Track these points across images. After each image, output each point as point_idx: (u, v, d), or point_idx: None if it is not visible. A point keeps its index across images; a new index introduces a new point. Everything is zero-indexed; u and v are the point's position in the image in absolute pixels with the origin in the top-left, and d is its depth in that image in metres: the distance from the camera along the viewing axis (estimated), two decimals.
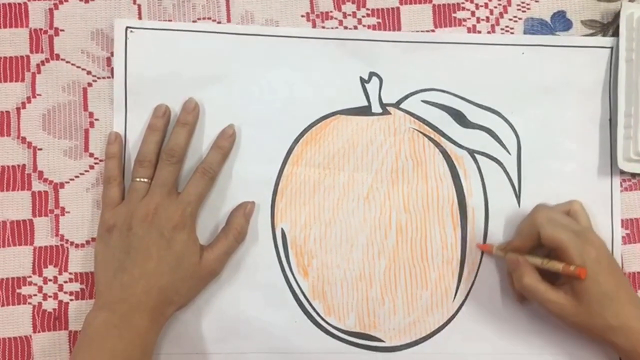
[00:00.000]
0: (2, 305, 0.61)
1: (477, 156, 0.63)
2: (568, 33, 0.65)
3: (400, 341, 0.63)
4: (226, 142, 0.62)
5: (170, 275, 0.57)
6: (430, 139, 0.63)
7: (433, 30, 0.64)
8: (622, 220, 0.64)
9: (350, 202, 0.63)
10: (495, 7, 0.65)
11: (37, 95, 0.63)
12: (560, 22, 0.65)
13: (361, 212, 0.63)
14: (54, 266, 0.62)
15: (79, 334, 0.58)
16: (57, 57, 0.63)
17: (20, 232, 0.62)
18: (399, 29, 0.64)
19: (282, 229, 0.63)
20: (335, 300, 0.62)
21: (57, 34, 0.63)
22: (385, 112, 0.63)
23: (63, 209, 0.62)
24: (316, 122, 0.63)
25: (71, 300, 0.62)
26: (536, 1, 0.65)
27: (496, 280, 0.63)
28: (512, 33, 0.65)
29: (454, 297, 0.63)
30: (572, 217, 0.60)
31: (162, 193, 0.58)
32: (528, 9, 0.65)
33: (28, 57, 0.63)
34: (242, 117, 0.63)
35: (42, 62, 0.63)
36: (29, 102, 0.63)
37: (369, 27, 0.64)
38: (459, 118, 0.64)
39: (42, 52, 0.63)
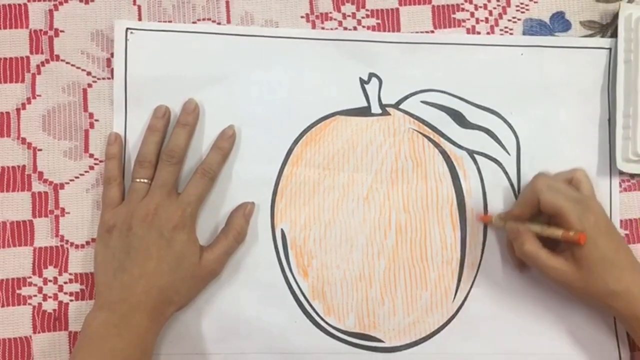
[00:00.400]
0: (2, 306, 0.61)
1: (477, 157, 0.64)
2: (567, 34, 0.65)
3: (400, 341, 0.63)
4: (226, 142, 0.62)
5: (170, 276, 0.57)
6: (429, 139, 0.63)
7: (432, 31, 0.65)
8: (621, 221, 0.64)
9: (349, 203, 0.63)
10: (495, 8, 0.65)
11: (37, 96, 0.63)
12: (559, 22, 0.65)
13: (361, 212, 0.63)
14: (54, 267, 0.62)
15: (78, 334, 0.58)
16: (57, 58, 0.63)
17: (20, 233, 0.62)
18: (399, 30, 0.65)
19: (282, 229, 0.63)
20: (335, 301, 0.63)
21: (57, 35, 0.63)
22: (384, 112, 0.63)
23: (63, 209, 0.62)
24: (316, 123, 0.63)
25: (71, 300, 0.62)
26: (535, 2, 0.65)
27: (496, 280, 0.63)
28: (511, 34, 0.65)
29: (454, 298, 0.63)
30: (574, 185, 0.60)
31: (162, 193, 0.59)
32: (527, 9, 0.65)
33: (28, 58, 0.63)
34: (242, 118, 0.63)
35: (42, 63, 0.63)
36: (29, 103, 0.63)
37: (368, 28, 0.65)
38: (459, 119, 0.64)
39: (42, 53, 0.63)
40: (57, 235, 0.62)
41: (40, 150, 0.63)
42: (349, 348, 0.62)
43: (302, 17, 0.64)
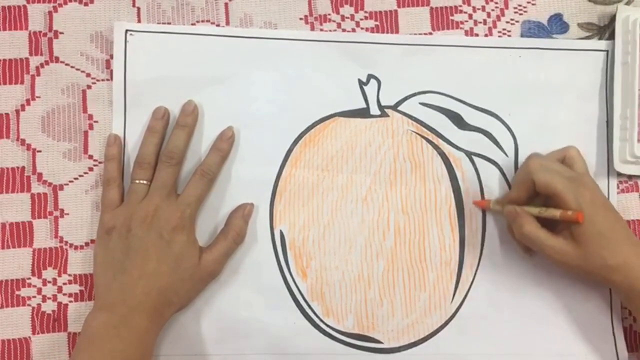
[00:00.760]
0: (2, 307, 0.61)
1: (475, 158, 0.64)
2: (565, 36, 0.65)
3: (399, 342, 0.63)
4: (225, 144, 0.62)
5: (169, 277, 0.57)
6: (428, 141, 0.64)
7: (431, 33, 0.65)
8: None
9: (348, 204, 0.63)
10: (493, 10, 0.65)
11: (37, 97, 0.63)
12: (557, 24, 0.65)
13: (359, 213, 0.63)
14: (53, 268, 0.62)
15: (78, 336, 0.58)
16: (57, 59, 0.63)
17: (20, 234, 0.62)
18: (397, 32, 0.65)
19: (280, 230, 0.63)
20: (333, 302, 0.63)
21: (56, 37, 0.63)
22: (383, 114, 0.64)
23: (62, 210, 0.62)
24: (315, 124, 0.63)
25: (70, 302, 0.62)
26: (533, 4, 0.66)
27: (494, 281, 0.63)
28: (509, 36, 0.65)
29: (452, 299, 0.63)
30: (567, 163, 0.60)
31: (162, 195, 0.59)
32: (525, 11, 0.65)
33: (27, 59, 0.63)
34: (241, 119, 0.63)
35: (42, 65, 0.63)
36: (29, 104, 0.63)
37: (367, 29, 0.65)
38: (457, 120, 0.64)
39: (41, 54, 0.63)
40: (56, 237, 0.62)
41: (39, 151, 0.63)
42: (348, 349, 0.63)
43: (300, 18, 0.65)
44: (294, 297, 0.63)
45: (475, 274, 0.63)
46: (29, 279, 0.62)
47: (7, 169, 0.62)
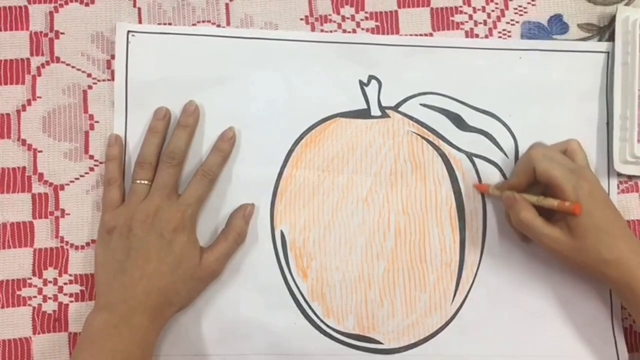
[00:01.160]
0: (2, 307, 0.61)
1: (475, 159, 0.64)
2: (565, 36, 0.65)
3: (399, 343, 0.63)
4: (226, 144, 0.62)
5: (170, 277, 0.57)
6: (428, 142, 0.64)
7: (431, 34, 0.65)
8: None
9: (349, 205, 0.63)
10: (493, 11, 0.66)
11: (38, 97, 0.63)
12: (556, 25, 0.66)
13: (360, 214, 0.63)
14: (54, 268, 0.62)
15: (79, 335, 0.58)
16: (58, 59, 0.63)
17: (21, 234, 0.62)
18: (397, 32, 0.65)
19: (281, 231, 0.63)
20: (334, 302, 0.63)
21: (57, 37, 0.63)
22: (384, 115, 0.64)
23: (63, 210, 0.62)
24: (315, 125, 0.63)
25: (71, 302, 0.62)
26: (533, 5, 0.66)
27: (494, 282, 0.63)
28: (509, 36, 0.65)
29: (452, 299, 0.63)
30: (569, 155, 0.60)
31: (162, 195, 0.59)
32: (525, 12, 0.66)
33: (28, 59, 0.63)
34: (241, 120, 0.63)
35: (43, 65, 0.63)
36: (29, 104, 0.63)
37: (367, 30, 0.65)
38: (457, 121, 0.64)
39: (42, 54, 0.63)
40: (57, 237, 0.62)
41: (40, 151, 0.63)
42: (348, 350, 0.63)
43: (301, 19, 0.65)
44: (294, 298, 0.63)
45: (475, 275, 0.63)
46: (30, 279, 0.62)
47: (8, 169, 0.62)
